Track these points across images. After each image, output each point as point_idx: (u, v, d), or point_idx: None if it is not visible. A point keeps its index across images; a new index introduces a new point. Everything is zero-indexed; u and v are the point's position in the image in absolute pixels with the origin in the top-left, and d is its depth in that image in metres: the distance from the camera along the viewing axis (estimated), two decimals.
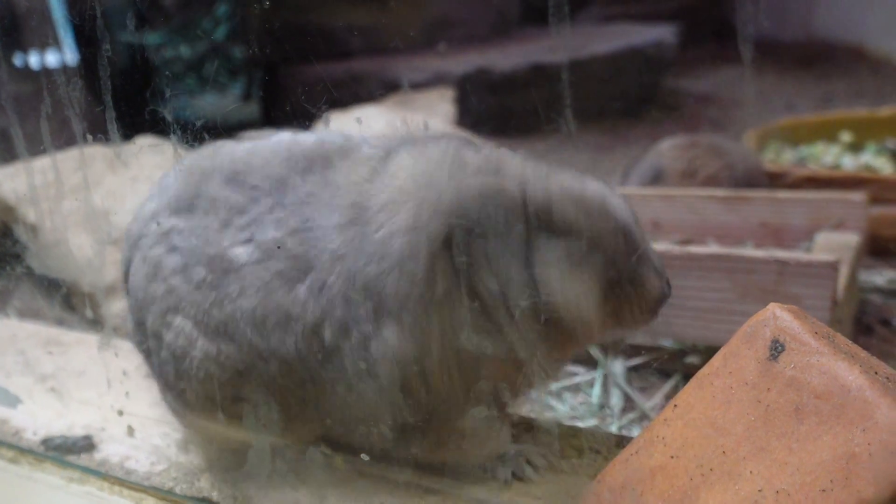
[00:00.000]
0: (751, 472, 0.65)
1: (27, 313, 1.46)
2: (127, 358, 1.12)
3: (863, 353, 0.69)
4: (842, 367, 0.63)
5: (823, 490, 0.59)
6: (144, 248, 0.87)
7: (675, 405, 0.75)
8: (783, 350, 0.68)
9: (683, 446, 0.72)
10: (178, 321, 0.82)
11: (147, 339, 0.87)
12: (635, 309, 0.80)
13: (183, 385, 0.84)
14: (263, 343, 0.78)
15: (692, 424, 0.72)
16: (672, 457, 0.72)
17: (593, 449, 0.92)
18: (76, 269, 1.40)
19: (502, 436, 0.86)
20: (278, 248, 0.79)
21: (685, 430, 0.73)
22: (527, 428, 0.94)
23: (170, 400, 0.90)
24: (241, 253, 0.79)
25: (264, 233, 0.80)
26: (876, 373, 0.65)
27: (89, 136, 0.83)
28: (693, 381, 0.75)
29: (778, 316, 0.70)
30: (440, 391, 0.77)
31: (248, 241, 0.80)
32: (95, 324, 1.12)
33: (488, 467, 0.86)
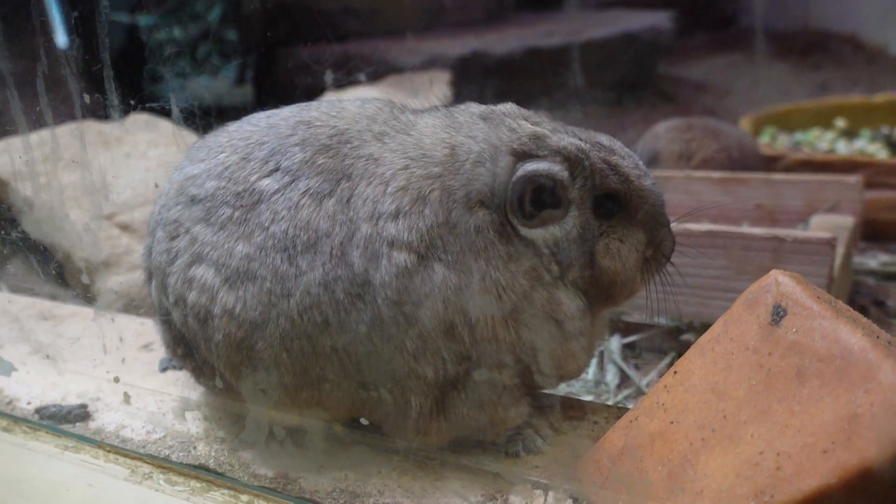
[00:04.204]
0: (752, 435, 0.65)
1: (21, 289, 1.45)
2: (122, 326, 1.12)
3: (864, 319, 0.69)
4: (844, 331, 0.63)
5: (825, 451, 0.59)
6: (163, 215, 0.86)
7: (676, 371, 0.75)
8: (785, 315, 0.68)
9: (684, 412, 0.72)
10: (201, 272, 0.79)
11: (171, 314, 0.84)
12: (660, 258, 0.85)
13: (212, 358, 0.82)
14: (292, 269, 0.76)
15: (693, 390, 0.72)
16: (672, 422, 0.72)
17: (591, 419, 0.93)
18: (71, 242, 1.39)
19: (523, 409, 0.85)
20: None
21: (685, 396, 0.73)
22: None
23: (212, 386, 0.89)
24: (269, 183, 0.79)
25: (290, 158, 0.79)
26: (878, 337, 0.65)
27: (86, 96, 0.82)
28: (694, 348, 0.75)
29: (780, 282, 0.70)
30: (484, 339, 0.76)
31: (275, 170, 0.79)
32: (89, 290, 1.11)
33: (500, 443, 0.86)
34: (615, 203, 0.81)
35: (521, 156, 0.77)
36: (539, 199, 0.77)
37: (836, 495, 0.58)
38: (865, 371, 0.60)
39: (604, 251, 0.80)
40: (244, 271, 0.77)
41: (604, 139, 0.83)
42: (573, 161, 0.78)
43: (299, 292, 0.75)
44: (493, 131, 0.79)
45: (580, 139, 0.80)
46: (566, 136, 0.80)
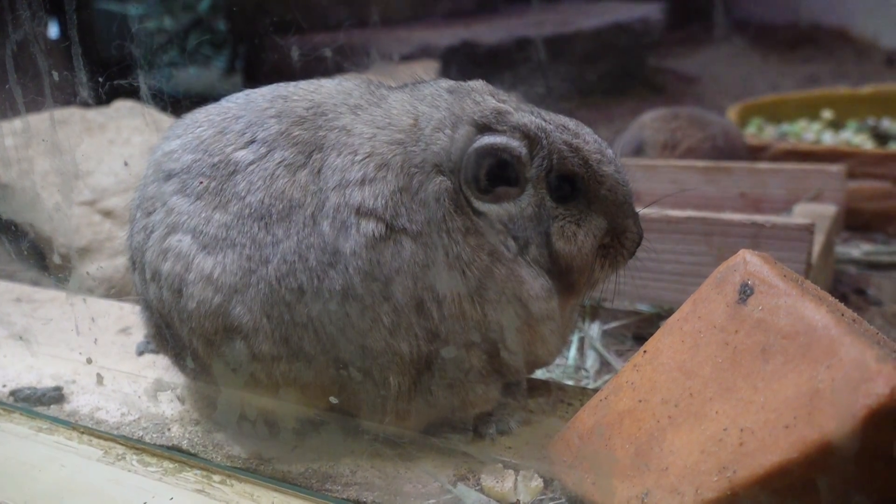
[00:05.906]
0: (716, 412, 0.65)
1: (1, 275, 1.44)
2: (100, 310, 1.11)
3: (830, 298, 0.70)
4: (809, 308, 0.63)
5: (786, 426, 0.59)
6: (141, 194, 0.86)
7: (645, 351, 0.76)
8: (752, 293, 0.68)
9: (652, 390, 0.72)
10: (177, 239, 0.79)
11: (148, 292, 0.84)
12: (620, 250, 0.84)
13: (185, 332, 0.81)
14: (269, 237, 0.76)
15: (661, 369, 0.72)
16: (640, 401, 0.72)
17: (566, 402, 0.93)
18: (52, 227, 1.39)
19: (495, 393, 0.85)
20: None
21: (654, 375, 0.73)
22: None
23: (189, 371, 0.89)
24: (245, 154, 0.80)
25: (266, 129, 0.80)
26: (843, 315, 0.65)
27: (55, 73, 0.81)
28: (663, 328, 0.75)
29: (748, 261, 0.71)
30: (452, 316, 0.76)
31: (251, 142, 0.80)
32: (61, 271, 1.10)
33: (472, 424, 0.86)
34: (574, 186, 0.81)
35: (481, 128, 0.78)
36: (495, 174, 0.77)
37: (797, 470, 0.58)
38: (828, 347, 0.60)
39: (558, 233, 0.80)
40: (223, 238, 0.78)
41: (570, 123, 0.83)
42: (532, 139, 0.78)
43: (276, 259, 0.76)
44: (458, 103, 0.80)
45: (544, 119, 0.80)
46: (528, 115, 0.80)
